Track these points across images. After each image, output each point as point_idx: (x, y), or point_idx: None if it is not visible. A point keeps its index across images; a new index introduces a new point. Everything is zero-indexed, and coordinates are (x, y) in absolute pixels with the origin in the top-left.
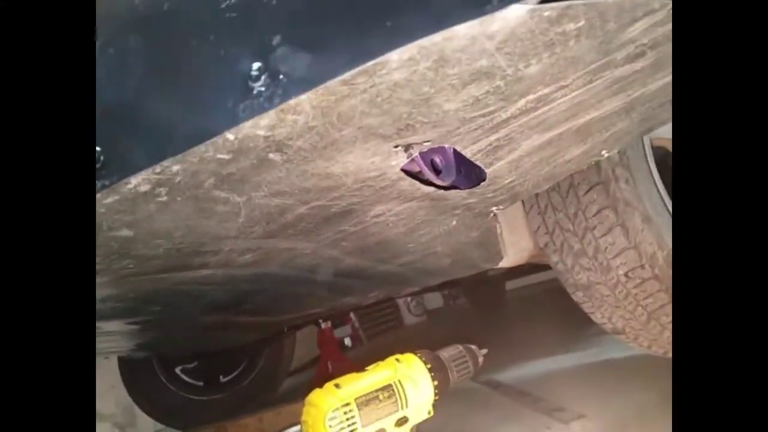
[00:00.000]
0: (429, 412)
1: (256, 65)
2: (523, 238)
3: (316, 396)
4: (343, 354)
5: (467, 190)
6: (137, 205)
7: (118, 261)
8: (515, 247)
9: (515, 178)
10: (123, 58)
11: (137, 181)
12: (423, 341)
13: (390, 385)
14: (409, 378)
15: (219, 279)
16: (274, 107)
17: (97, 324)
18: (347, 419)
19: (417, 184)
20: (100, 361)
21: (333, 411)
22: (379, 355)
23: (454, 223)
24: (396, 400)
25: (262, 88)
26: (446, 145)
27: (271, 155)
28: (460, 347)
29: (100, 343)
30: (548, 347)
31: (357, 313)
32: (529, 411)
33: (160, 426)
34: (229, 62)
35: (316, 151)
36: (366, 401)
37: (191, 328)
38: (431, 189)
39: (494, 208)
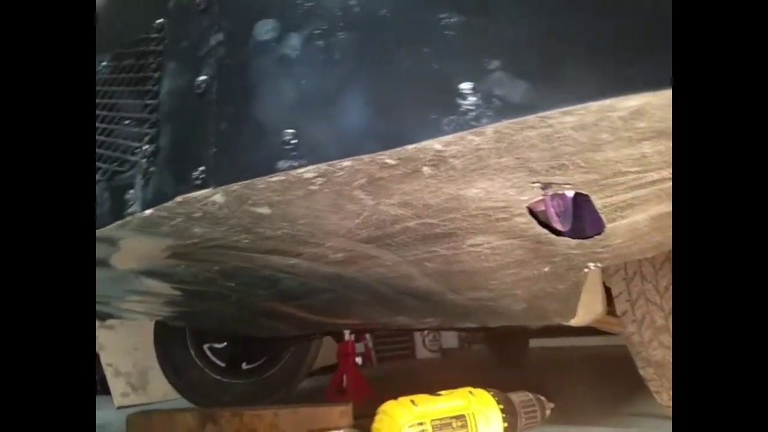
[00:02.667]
0: None
1: (467, 84)
2: (596, 300)
3: (393, 408)
4: (359, 371)
5: (577, 241)
6: (290, 188)
7: (238, 234)
8: (587, 308)
9: (627, 240)
10: (330, 53)
11: (307, 167)
12: (437, 378)
13: (464, 416)
14: (482, 413)
15: (301, 270)
16: (481, 126)
17: (158, 284)
18: None
19: (533, 222)
20: (129, 321)
21: (409, 426)
22: (388, 380)
23: (546, 269)
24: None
25: (471, 107)
26: (582, 191)
27: (424, 168)
28: (530, 395)
29: (147, 305)
30: (579, 416)
31: (372, 334)
32: None
33: (171, 396)
34: (439, 76)
35: (465, 172)
36: (440, 425)
37: (246, 310)
38: (543, 231)
39: (592, 264)
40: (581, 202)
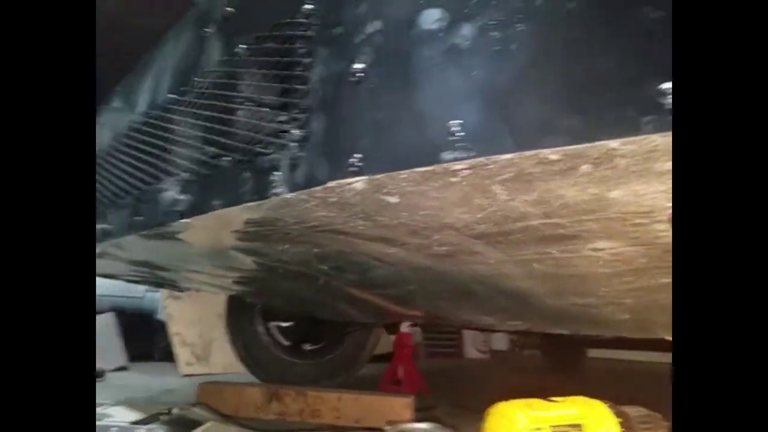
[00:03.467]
0: None
1: (669, 84)
2: None
3: (508, 409)
4: (414, 363)
5: None
6: (430, 179)
7: (356, 220)
8: None
9: None
10: (507, 44)
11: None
12: (485, 380)
13: (580, 425)
14: (599, 425)
15: (395, 259)
16: None
17: (248, 260)
18: None
19: (671, 230)
20: (200, 295)
21: (527, 430)
22: (434, 376)
23: (665, 280)
24: None
25: (671, 107)
26: None
27: (584, 166)
28: (645, 410)
29: (222, 280)
30: None
31: (423, 329)
32: None
33: (231, 370)
34: (638, 74)
35: (623, 173)
36: None
37: (328, 293)
38: None
39: None
40: None
